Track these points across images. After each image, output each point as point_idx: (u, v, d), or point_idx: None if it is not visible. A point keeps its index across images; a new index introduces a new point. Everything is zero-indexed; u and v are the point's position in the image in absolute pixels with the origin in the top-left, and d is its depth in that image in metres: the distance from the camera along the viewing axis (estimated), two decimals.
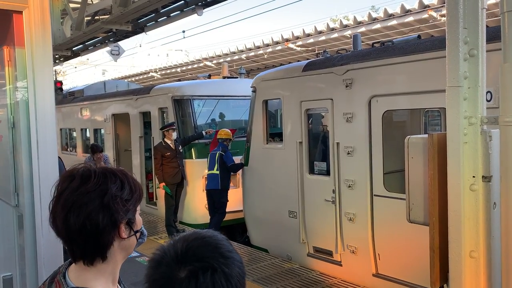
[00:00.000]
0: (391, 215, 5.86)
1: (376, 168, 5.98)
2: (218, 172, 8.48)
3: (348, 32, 17.40)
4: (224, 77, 11.44)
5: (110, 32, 8.83)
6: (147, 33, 7.48)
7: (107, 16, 7.24)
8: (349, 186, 6.28)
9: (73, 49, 11.37)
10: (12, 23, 3.53)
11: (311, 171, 6.97)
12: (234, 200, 10.10)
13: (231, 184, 10.38)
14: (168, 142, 8.82)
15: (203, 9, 6.82)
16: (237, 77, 12.16)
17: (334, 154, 6.46)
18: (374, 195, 6.04)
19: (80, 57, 15.23)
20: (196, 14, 6.76)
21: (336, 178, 6.47)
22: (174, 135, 8.94)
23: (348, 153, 6.26)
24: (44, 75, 3.50)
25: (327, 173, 6.72)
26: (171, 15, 7.14)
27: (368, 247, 6.15)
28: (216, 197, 8.58)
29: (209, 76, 12.06)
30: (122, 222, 1.50)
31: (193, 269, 1.07)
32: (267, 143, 7.76)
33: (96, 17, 8.70)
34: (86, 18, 8.28)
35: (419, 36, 7.23)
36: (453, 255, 2.59)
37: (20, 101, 3.55)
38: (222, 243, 1.16)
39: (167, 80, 27.07)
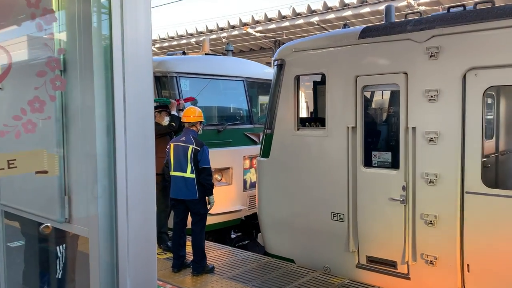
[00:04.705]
0: (490, 217, 4.73)
1: (471, 159, 4.80)
2: (194, 175, 5.92)
3: (315, 19, 16.37)
4: (206, 54, 9.69)
5: None
6: None
7: None
8: (430, 182, 5.04)
9: None
10: None
11: (367, 163, 5.63)
12: (226, 199, 8.51)
13: (222, 180, 8.77)
14: (162, 123, 6.98)
15: None
16: (217, 55, 10.47)
17: (408, 141, 5.18)
18: (466, 192, 4.87)
19: None
20: None
21: (409, 172, 5.20)
22: (167, 119, 7.10)
23: (430, 140, 5.02)
24: (138, 13, 1.77)
25: (393, 165, 5.43)
26: None
27: (454, 257, 4.97)
28: (194, 208, 5.99)
29: (184, 53, 10.20)
30: None
31: None
32: (298, 129, 6.28)
33: None
34: None
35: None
36: None
37: (90, 56, 1.75)
38: None
39: None
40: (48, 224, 2.02)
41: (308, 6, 16.05)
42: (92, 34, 1.79)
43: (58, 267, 3.18)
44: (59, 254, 3.10)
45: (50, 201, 1.90)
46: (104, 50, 1.80)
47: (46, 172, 1.75)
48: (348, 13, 15.33)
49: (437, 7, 14.14)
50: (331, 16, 15.75)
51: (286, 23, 17.03)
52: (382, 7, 14.36)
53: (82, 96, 1.85)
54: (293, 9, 16.60)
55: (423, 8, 13.90)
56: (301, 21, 16.60)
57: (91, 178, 1.81)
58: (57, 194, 1.89)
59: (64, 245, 3.03)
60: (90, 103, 1.80)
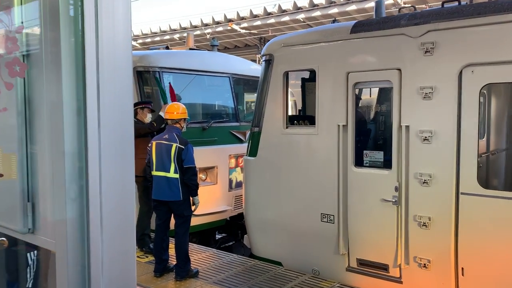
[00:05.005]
0: (486, 219, 4.57)
1: (466, 159, 4.64)
2: (177, 175, 5.60)
3: (301, 16, 16.19)
4: (190, 49, 9.39)
5: None
6: None
7: None
8: (424, 182, 4.87)
9: None
10: None
11: (359, 162, 5.43)
12: (210, 199, 8.24)
13: (207, 180, 8.49)
14: (145, 120, 6.68)
15: None
16: (201, 50, 10.17)
17: (401, 140, 5.00)
18: (461, 193, 4.70)
19: None
20: None
21: (402, 172, 5.02)
22: (149, 117, 6.79)
23: (424, 139, 4.84)
24: None
25: (385, 165, 5.25)
26: None
27: (448, 260, 4.81)
28: (178, 210, 5.68)
29: (167, 48, 9.88)
30: None
31: None
32: (287, 127, 6.04)
33: None
34: None
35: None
36: None
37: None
38: None
39: None
40: (3, 238, 1.73)
41: (294, 3, 15.87)
42: (60, 14, 1.53)
43: (28, 275, 2.89)
44: (30, 262, 2.81)
45: (11, 209, 1.62)
46: (75, 33, 1.53)
47: (0, 175, 1.48)
48: (334, 10, 15.19)
49: (423, 5, 14.09)
50: (317, 13, 15.60)
51: (272, 20, 16.82)
52: (368, 5, 14.24)
53: (49, 86, 1.57)
54: (279, 6, 16.39)
55: (409, 6, 13.82)
56: (286, 18, 16.41)
57: (59, 181, 1.55)
58: (19, 201, 1.61)
59: (35, 252, 2.75)
60: (59, 94, 1.54)
